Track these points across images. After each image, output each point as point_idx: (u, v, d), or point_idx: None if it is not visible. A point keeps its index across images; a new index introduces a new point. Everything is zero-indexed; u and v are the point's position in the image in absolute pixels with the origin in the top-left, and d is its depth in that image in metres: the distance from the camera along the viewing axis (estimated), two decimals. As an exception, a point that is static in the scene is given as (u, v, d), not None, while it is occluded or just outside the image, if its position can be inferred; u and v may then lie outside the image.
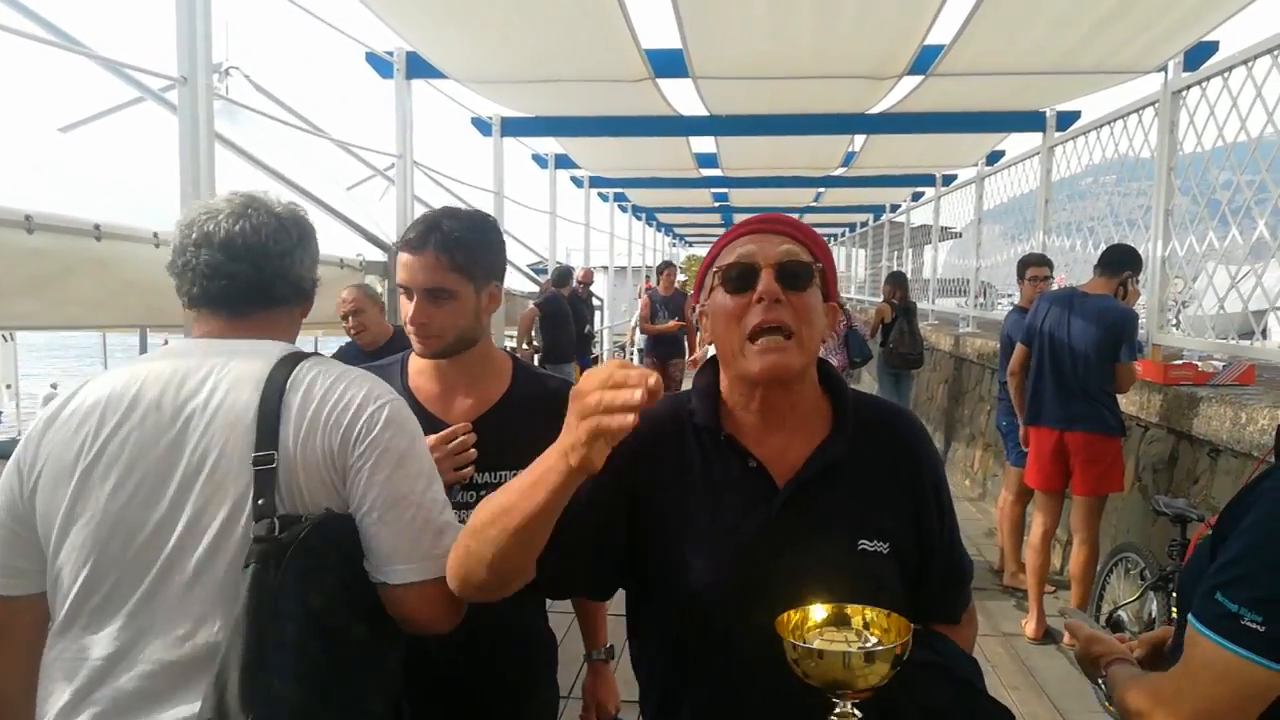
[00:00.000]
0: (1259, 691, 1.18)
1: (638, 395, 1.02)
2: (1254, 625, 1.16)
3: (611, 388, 1.04)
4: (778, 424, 1.38)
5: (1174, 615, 3.57)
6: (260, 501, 1.39)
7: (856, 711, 1.15)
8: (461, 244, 1.86)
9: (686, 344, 10.68)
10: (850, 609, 1.22)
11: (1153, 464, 4.96)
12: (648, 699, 1.46)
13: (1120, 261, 4.77)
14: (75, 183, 4.46)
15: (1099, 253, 4.94)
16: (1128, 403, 4.98)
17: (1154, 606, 3.77)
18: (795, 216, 1.48)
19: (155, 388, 1.47)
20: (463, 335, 1.92)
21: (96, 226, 3.49)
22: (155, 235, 3.70)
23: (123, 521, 1.41)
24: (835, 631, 1.21)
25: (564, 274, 10.02)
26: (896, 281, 9.49)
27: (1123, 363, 4.59)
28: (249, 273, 1.53)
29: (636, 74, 6.06)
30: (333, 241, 5.70)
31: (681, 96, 7.06)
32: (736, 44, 5.53)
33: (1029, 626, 4.97)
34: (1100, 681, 1.48)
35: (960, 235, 12.54)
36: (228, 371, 1.48)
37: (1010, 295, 10.81)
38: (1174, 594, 3.63)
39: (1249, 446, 3.93)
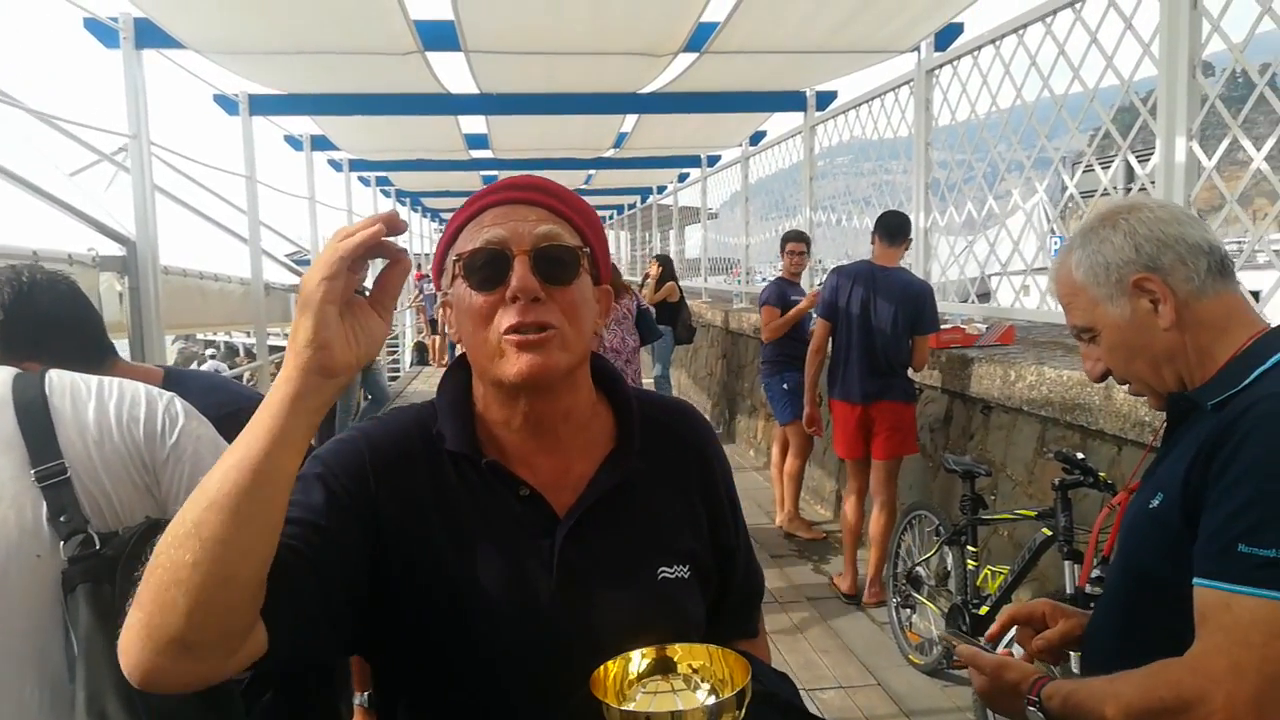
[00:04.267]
0: None
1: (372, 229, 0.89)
2: None
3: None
4: (550, 440, 1.14)
5: (970, 566, 3.77)
6: (63, 518, 1.19)
7: None
8: None
9: None
10: (674, 651, 1.05)
11: (930, 424, 5.26)
12: None
13: (901, 228, 4.97)
14: None
15: (876, 220, 5.10)
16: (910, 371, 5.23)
17: (949, 560, 3.95)
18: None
19: None
20: None
21: None
22: None
23: None
24: (661, 681, 1.03)
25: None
26: (666, 262, 9.69)
27: (922, 335, 4.79)
28: None
29: (404, 47, 5.68)
30: (58, 235, 4.96)
31: (451, 73, 6.73)
32: (512, 16, 5.30)
33: (844, 582, 5.14)
34: (1035, 708, 1.30)
35: (716, 215, 12.98)
36: None
37: (762, 272, 11.37)
38: (967, 546, 3.82)
39: (1019, 402, 4.21)
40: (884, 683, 4.06)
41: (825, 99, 7.90)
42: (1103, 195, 4.44)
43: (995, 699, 1.41)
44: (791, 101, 8.05)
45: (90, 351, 1.73)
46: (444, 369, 1.23)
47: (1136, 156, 4.10)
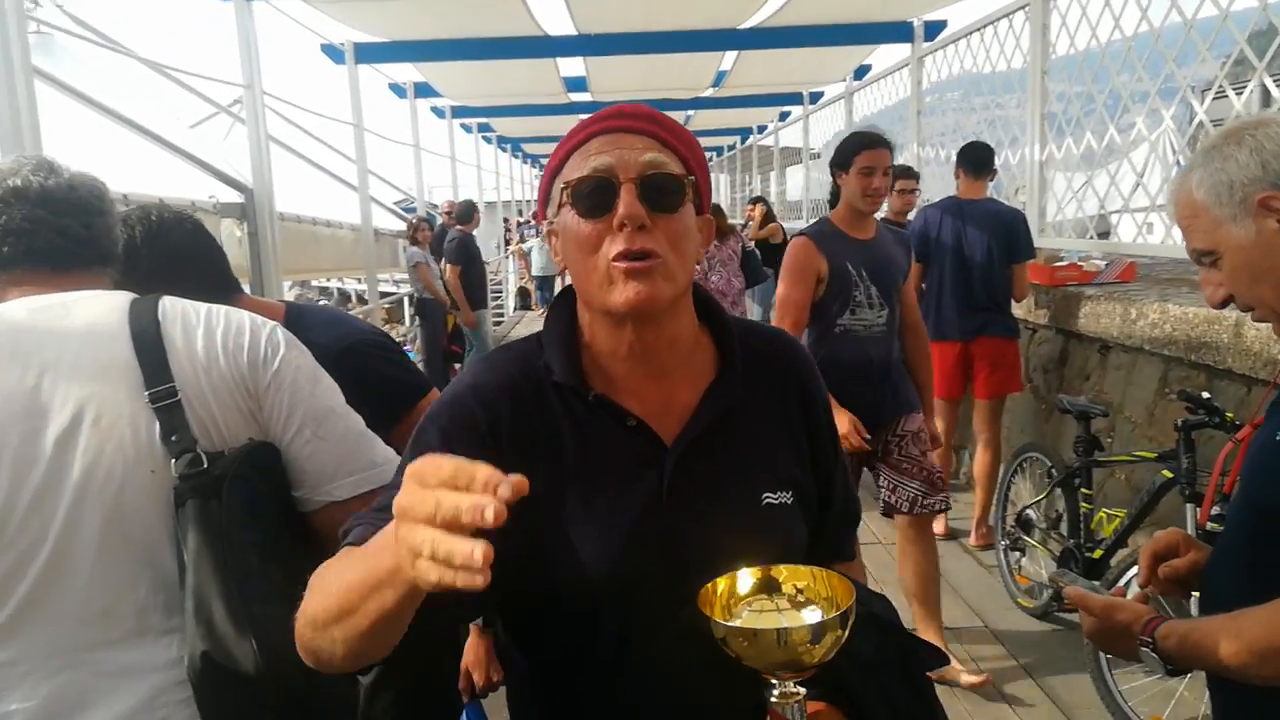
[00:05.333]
0: None
1: (477, 554, 0.70)
2: None
3: (442, 521, 0.72)
4: (656, 369, 1.16)
5: (1084, 509, 3.67)
6: (174, 438, 1.26)
7: (800, 689, 0.99)
8: None
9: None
10: (779, 572, 1.07)
11: (1043, 364, 5.09)
12: (523, 714, 1.23)
13: (986, 160, 4.83)
14: None
15: (959, 153, 4.95)
16: (1015, 306, 5.07)
17: (1061, 503, 3.85)
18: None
19: None
20: None
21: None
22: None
23: None
24: (766, 600, 1.05)
25: (469, 210, 9.49)
26: (766, 203, 9.58)
27: (1020, 264, 4.65)
28: (77, 229, 1.41)
29: (503, -11, 5.69)
30: (182, 184, 5.18)
31: (550, 14, 6.72)
32: (610, -47, 5.25)
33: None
34: (1149, 649, 1.28)
35: (818, 155, 12.66)
36: (74, 318, 1.31)
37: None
38: (1081, 489, 3.72)
39: (1140, 341, 4.04)
40: (991, 625, 4.00)
41: (934, 29, 7.59)
42: (1237, 122, 4.17)
43: (1106, 641, 1.38)
44: (898, 32, 7.76)
45: (217, 286, 1.80)
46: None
47: (1275, 80, 3.82)
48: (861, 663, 1.08)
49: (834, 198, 3.44)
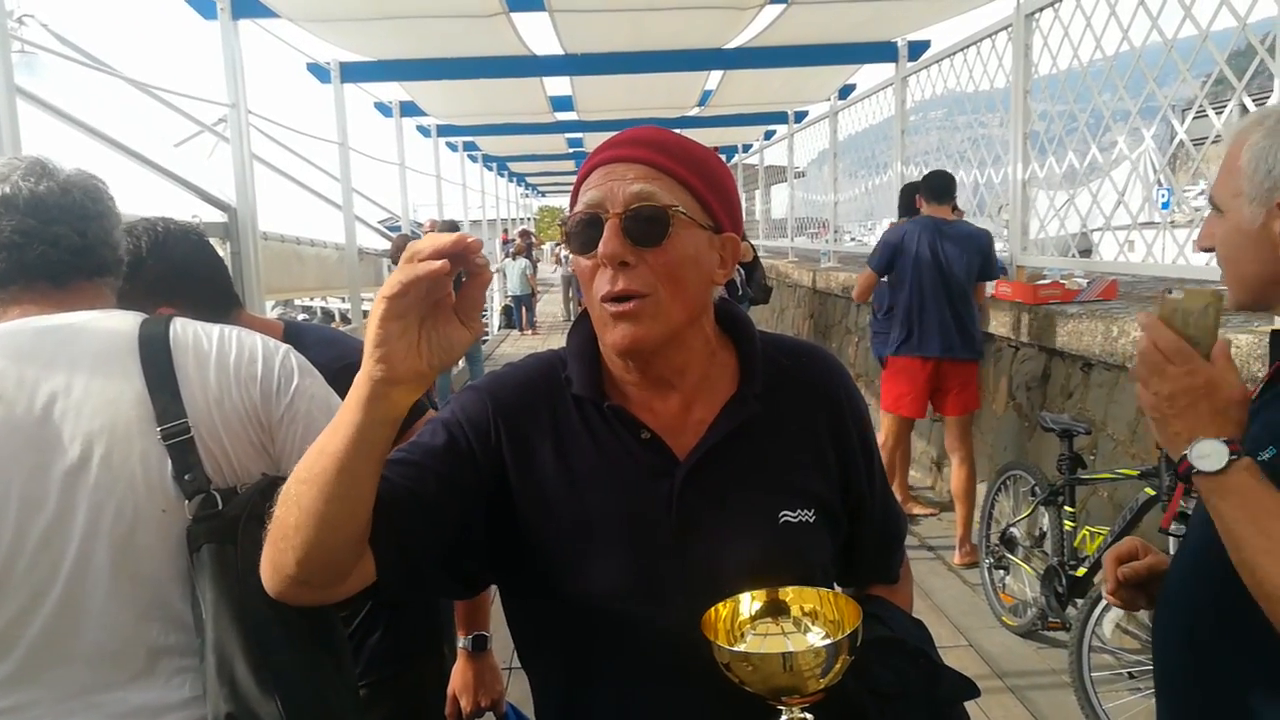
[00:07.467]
0: None
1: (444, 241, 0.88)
2: None
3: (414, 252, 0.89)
4: (667, 391, 1.15)
5: (1068, 527, 3.68)
6: (187, 477, 1.22)
7: (808, 715, 0.96)
8: None
9: None
10: (785, 594, 1.03)
11: (1025, 382, 5.10)
12: (544, 713, 1.22)
13: (949, 188, 5.09)
14: None
15: (922, 180, 5.22)
16: (998, 324, 5.10)
17: (1044, 521, 3.86)
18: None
19: None
20: None
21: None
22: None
23: None
24: (771, 623, 1.02)
25: (454, 228, 9.49)
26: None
27: (983, 283, 4.91)
28: (71, 237, 1.32)
29: (489, 8, 5.71)
30: (164, 203, 5.17)
31: (536, 34, 6.75)
32: (595, -27, 5.28)
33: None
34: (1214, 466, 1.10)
35: (804, 174, 12.73)
36: (81, 345, 1.25)
37: (851, 231, 11.19)
38: (1064, 507, 3.73)
39: (1122, 359, 4.05)
40: (975, 644, 4.00)
41: (918, 49, 7.66)
42: (1214, 142, 4.21)
43: (1181, 406, 1.14)
44: (882, 52, 7.82)
45: (219, 300, 1.78)
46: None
47: (1254, 100, 3.87)
48: (881, 691, 1.05)
49: None
